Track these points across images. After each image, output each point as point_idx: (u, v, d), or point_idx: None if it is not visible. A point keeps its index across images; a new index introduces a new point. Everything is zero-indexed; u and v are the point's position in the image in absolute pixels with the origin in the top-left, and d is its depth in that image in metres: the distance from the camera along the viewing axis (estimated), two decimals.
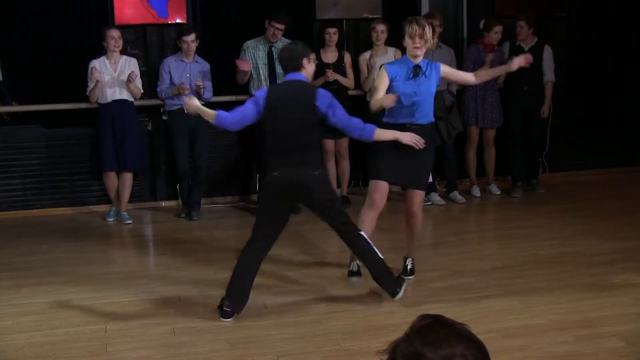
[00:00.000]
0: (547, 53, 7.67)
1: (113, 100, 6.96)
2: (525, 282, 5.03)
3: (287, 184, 4.46)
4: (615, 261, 5.46)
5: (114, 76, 6.93)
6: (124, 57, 7.05)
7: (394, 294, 4.68)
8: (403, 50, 7.49)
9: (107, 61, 6.95)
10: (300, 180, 4.46)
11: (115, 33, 6.92)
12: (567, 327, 4.23)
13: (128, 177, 7.19)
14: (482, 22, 7.69)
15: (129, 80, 6.83)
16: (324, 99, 4.48)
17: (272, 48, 7.12)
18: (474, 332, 1.58)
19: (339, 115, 4.51)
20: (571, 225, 6.52)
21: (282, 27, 7.07)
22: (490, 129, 7.72)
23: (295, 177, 4.45)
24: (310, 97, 4.47)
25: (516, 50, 7.60)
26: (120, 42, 6.95)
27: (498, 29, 7.50)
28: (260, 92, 4.60)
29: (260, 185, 4.65)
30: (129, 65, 7.00)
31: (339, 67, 7.29)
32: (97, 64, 6.91)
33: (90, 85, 6.93)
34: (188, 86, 7.00)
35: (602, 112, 8.62)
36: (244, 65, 7.00)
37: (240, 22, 7.83)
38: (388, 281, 4.69)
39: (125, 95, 6.98)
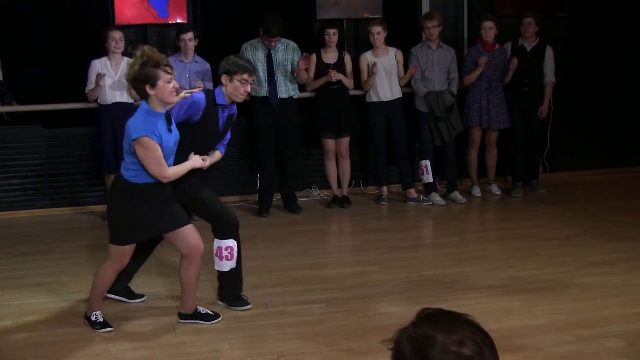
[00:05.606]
0: (549, 54, 7.65)
1: (113, 103, 6.93)
2: (526, 282, 5.03)
3: None
4: (615, 261, 5.47)
5: (115, 78, 6.91)
6: (125, 59, 7.01)
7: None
8: (404, 50, 7.52)
9: (108, 62, 6.92)
10: None
11: (117, 34, 6.88)
12: (568, 327, 4.23)
13: None
14: None
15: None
16: None
17: (271, 51, 7.07)
18: None
19: None
20: (571, 225, 6.52)
21: (276, 39, 7.00)
22: (494, 131, 7.68)
23: None
24: None
25: (518, 51, 7.60)
26: (122, 44, 6.91)
27: (486, 24, 7.41)
28: None
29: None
30: None
31: (339, 67, 7.27)
32: (98, 63, 6.88)
33: (90, 86, 6.92)
34: (187, 86, 6.99)
35: (602, 112, 8.61)
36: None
37: (240, 22, 7.82)
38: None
39: (125, 97, 6.95)
